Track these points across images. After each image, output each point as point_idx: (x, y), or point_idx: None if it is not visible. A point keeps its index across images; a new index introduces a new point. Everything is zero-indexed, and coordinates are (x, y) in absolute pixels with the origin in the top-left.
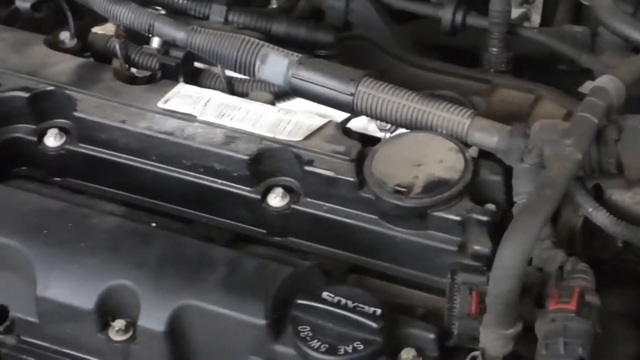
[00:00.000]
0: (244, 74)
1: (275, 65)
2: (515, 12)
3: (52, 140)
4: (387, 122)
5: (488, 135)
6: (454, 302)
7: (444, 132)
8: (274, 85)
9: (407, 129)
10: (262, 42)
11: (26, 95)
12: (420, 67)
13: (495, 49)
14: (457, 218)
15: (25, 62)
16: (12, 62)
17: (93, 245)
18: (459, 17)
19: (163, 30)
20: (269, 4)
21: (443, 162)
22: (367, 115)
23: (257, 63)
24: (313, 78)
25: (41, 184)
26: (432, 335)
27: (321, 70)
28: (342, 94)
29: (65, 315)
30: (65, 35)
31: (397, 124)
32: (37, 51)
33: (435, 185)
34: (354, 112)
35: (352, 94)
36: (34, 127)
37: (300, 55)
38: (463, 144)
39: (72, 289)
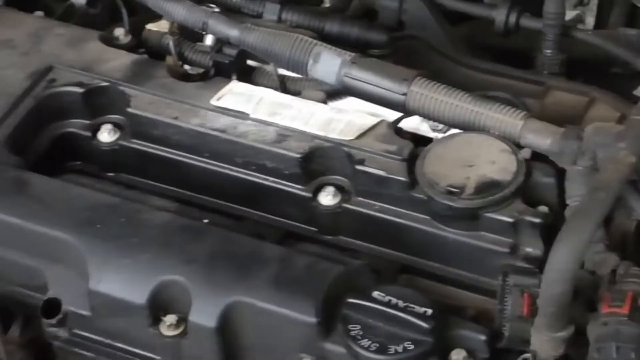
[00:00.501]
0: (297, 73)
1: (328, 64)
2: (570, 14)
3: (106, 135)
4: (439, 122)
5: (541, 137)
6: (505, 304)
7: (497, 133)
8: (327, 84)
9: (459, 129)
10: (315, 41)
11: (81, 90)
12: (473, 68)
13: (548, 51)
14: (509, 220)
15: (80, 57)
16: (67, 57)
17: (145, 241)
18: (512, 19)
19: (217, 28)
20: (322, 3)
21: (495, 163)
22: (419, 115)
23: (310, 62)
24: (365, 77)
25: (94, 178)
26: (482, 337)
27: (374, 70)
28: (394, 93)
29: (117, 309)
30: (119, 32)
31: (450, 124)
32: (91, 47)
33: (487, 187)
34: (406, 112)
35: (404, 94)
36: (88, 122)
37: (353, 54)
38: (516, 145)
39: (124, 283)
